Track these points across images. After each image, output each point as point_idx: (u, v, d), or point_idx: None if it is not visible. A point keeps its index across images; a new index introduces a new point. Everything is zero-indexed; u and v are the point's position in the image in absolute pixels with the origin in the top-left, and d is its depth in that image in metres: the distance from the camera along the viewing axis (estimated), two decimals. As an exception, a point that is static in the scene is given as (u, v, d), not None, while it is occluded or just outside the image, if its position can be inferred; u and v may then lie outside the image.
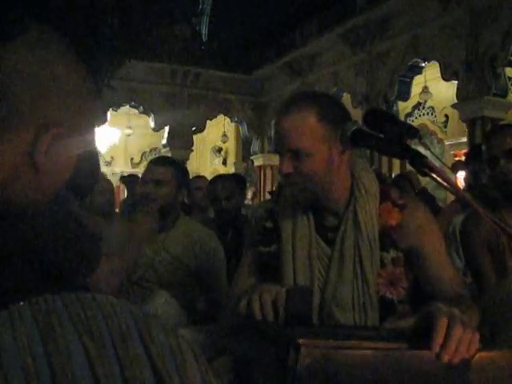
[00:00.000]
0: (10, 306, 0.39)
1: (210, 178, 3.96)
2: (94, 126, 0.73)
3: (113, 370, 0.36)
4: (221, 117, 13.83)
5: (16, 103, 0.63)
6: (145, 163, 10.76)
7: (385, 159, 9.69)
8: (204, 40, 13.35)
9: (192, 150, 13.22)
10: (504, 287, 1.55)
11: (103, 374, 0.35)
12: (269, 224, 1.48)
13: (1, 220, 0.69)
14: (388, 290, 1.36)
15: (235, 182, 3.52)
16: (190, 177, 2.92)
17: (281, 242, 1.43)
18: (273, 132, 1.39)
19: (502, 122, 7.84)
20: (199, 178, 4.73)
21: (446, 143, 10.55)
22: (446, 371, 0.99)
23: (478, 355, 1.00)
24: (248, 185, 7.16)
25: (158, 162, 2.41)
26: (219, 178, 3.56)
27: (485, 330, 1.09)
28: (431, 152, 1.21)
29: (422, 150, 1.15)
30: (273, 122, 1.42)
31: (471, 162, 3.48)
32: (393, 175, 8.02)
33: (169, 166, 2.35)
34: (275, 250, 1.44)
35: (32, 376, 0.34)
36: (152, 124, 12.75)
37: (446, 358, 0.97)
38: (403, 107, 10.83)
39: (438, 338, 0.97)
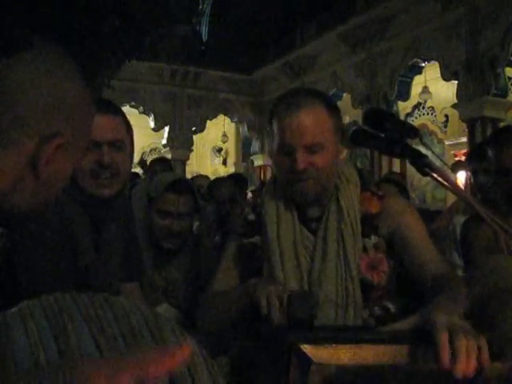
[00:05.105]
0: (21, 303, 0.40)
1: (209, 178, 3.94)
2: (90, 135, 0.75)
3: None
4: (221, 117, 13.83)
5: (20, 114, 0.65)
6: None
7: (385, 159, 9.69)
8: (204, 40, 13.36)
9: (192, 150, 13.22)
10: (493, 274, 1.55)
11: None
12: (251, 216, 1.52)
13: (3, 226, 0.70)
14: (369, 273, 1.40)
15: (236, 184, 3.51)
16: (190, 177, 2.89)
17: (265, 232, 1.46)
18: (276, 130, 1.40)
19: (502, 123, 7.86)
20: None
21: (446, 143, 10.56)
22: (449, 374, 0.98)
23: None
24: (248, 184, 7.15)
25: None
26: (220, 181, 3.54)
27: (484, 323, 1.09)
28: (432, 152, 1.22)
29: (422, 149, 1.16)
30: (274, 121, 1.42)
31: (473, 162, 3.48)
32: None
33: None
34: (258, 241, 1.47)
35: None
36: (152, 124, 12.75)
37: (459, 371, 0.93)
38: (403, 107, 10.83)
39: (444, 354, 0.94)
